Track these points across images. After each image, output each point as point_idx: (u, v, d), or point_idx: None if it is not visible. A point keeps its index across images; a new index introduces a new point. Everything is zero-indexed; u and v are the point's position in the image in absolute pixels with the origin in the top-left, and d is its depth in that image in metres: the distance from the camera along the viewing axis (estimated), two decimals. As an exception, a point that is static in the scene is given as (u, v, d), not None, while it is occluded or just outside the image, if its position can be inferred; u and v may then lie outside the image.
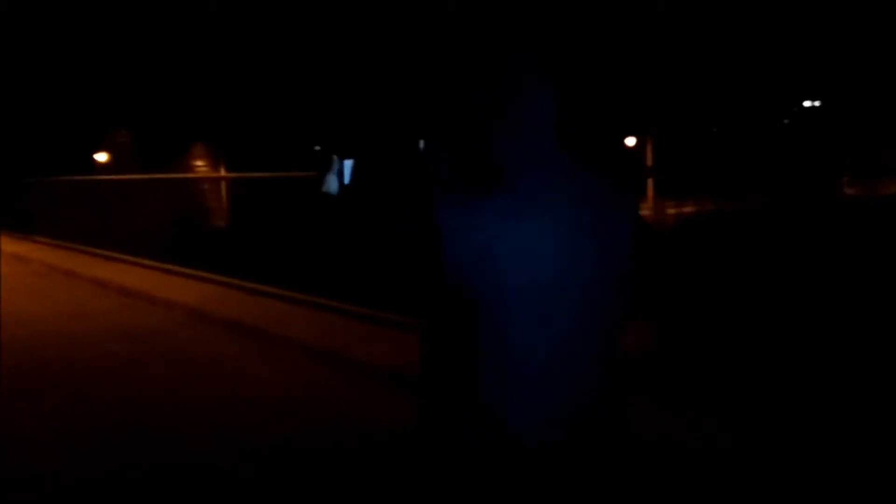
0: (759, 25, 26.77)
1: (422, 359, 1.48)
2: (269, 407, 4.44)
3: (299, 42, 24.72)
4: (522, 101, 1.38)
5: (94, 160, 28.30)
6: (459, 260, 1.34)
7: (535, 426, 1.36)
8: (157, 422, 4.24)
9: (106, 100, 27.03)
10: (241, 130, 27.41)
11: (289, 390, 4.76)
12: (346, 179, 1.87)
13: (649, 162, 25.37)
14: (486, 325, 1.35)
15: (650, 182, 5.69)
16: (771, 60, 28.42)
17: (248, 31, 25.60)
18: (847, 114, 29.51)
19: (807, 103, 38.85)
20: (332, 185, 1.86)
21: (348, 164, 1.88)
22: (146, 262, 9.82)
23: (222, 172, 27.76)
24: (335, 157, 1.88)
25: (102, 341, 6.29)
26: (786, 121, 38.17)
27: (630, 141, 25.34)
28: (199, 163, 30.28)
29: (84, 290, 8.99)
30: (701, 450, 3.40)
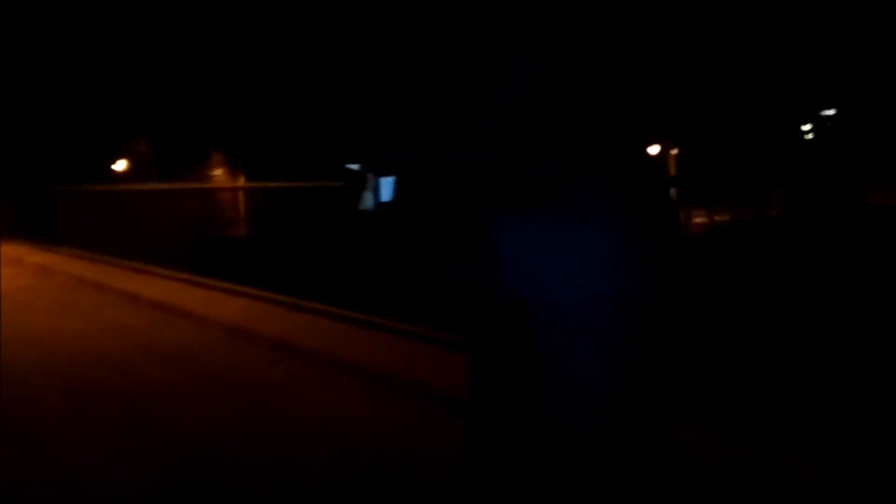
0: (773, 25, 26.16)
1: (470, 373, 1.47)
2: (333, 445, 3.97)
3: (325, 51, 24.27)
4: (560, 116, 1.37)
5: (112, 169, 28.00)
6: (513, 270, 1.33)
7: (591, 430, 1.35)
8: (205, 464, 3.78)
9: (125, 107, 26.70)
10: (262, 139, 27.00)
11: (353, 426, 4.27)
12: (382, 196, 1.85)
13: (672, 170, 24.94)
14: (541, 332, 1.34)
15: (674, 191, 5.50)
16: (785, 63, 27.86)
17: (271, 38, 25.20)
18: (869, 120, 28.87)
19: (827, 112, 38.27)
20: (367, 201, 1.82)
21: (383, 181, 1.87)
22: (177, 274, 9.39)
23: (242, 181, 27.41)
24: (369, 175, 1.91)
25: (136, 363, 5.84)
26: (807, 127, 37.63)
27: (653, 149, 24.81)
28: (217, 171, 29.95)
29: (115, 304, 8.56)
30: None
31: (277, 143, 25.03)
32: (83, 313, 8.09)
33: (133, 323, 7.39)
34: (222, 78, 24.44)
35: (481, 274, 1.38)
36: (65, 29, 24.60)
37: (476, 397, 1.49)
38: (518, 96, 1.38)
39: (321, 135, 22.34)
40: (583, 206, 1.37)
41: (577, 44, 1.43)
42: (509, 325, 1.38)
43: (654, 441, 1.41)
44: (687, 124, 26.56)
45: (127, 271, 10.21)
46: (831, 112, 38.92)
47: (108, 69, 25.34)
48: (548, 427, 1.36)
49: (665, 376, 1.45)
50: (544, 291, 1.35)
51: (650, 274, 1.43)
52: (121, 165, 29.11)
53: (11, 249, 13.33)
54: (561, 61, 1.40)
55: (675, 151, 25.13)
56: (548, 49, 1.39)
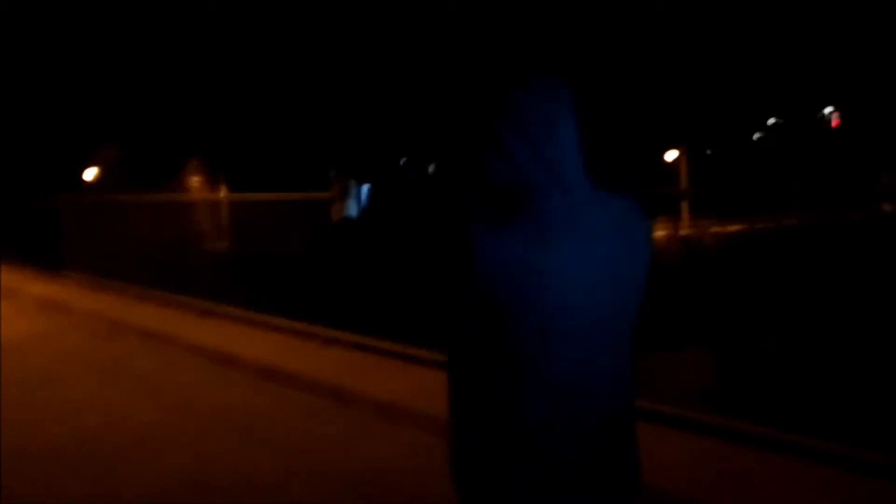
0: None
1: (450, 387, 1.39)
2: None
3: (308, 50, 21.32)
4: (547, 129, 1.30)
5: (82, 178, 24.39)
6: (491, 279, 1.25)
7: (561, 439, 1.27)
8: None
9: (95, 110, 23.18)
10: (245, 145, 23.93)
11: None
12: (364, 204, 1.63)
13: (684, 180, 22.56)
14: (514, 340, 1.27)
15: (685, 202, 5.31)
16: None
17: (254, 37, 22.05)
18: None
19: (771, 121, 36.99)
20: (351, 209, 1.62)
21: (365, 188, 1.64)
22: (256, 316, 6.18)
23: (224, 191, 24.28)
24: (352, 182, 1.64)
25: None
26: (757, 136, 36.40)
27: (670, 156, 22.50)
28: (195, 179, 26.70)
29: (197, 370, 5.34)
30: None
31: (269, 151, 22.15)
32: (154, 392, 4.87)
33: (271, 414, 4.24)
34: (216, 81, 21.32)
35: (465, 282, 1.28)
36: (25, 26, 21.04)
37: (456, 410, 1.37)
38: (539, 117, 1.31)
39: (331, 152, 19.48)
40: (561, 220, 1.28)
41: (599, 71, 1.36)
42: (491, 333, 1.28)
43: (624, 446, 1.32)
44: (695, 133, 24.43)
45: (178, 311, 6.92)
46: (775, 120, 37.80)
47: (77, 69, 21.86)
48: (526, 435, 1.27)
49: (633, 384, 1.35)
50: (526, 301, 1.26)
51: (632, 287, 1.34)
52: (90, 174, 25.46)
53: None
54: (584, 88, 1.33)
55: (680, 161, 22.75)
56: (572, 75, 1.33)
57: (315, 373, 4.79)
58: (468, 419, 1.36)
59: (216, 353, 5.47)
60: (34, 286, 8.89)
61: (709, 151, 32.85)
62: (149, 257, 7.87)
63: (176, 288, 7.16)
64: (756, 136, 36.88)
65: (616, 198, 1.36)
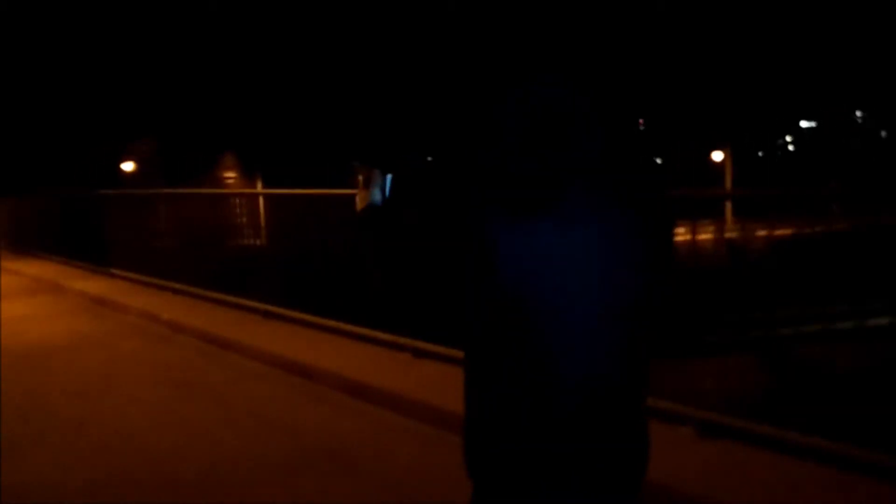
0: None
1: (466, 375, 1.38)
2: None
3: (336, 49, 20.87)
4: (567, 118, 1.30)
5: (119, 171, 24.10)
6: (514, 271, 1.27)
7: (582, 429, 1.29)
8: None
9: (130, 105, 22.86)
10: (278, 141, 23.51)
11: None
12: (387, 194, 1.59)
13: (728, 182, 21.75)
14: (538, 331, 1.28)
15: (729, 204, 4.69)
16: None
17: (286, 33, 21.63)
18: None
19: (804, 124, 36.07)
20: (376, 198, 1.56)
21: (387, 178, 1.59)
22: (327, 321, 5.54)
23: (259, 186, 23.87)
24: (378, 172, 1.60)
25: None
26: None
27: (717, 156, 21.73)
28: (229, 174, 26.26)
29: (274, 383, 4.73)
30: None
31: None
32: (229, 409, 4.26)
33: (372, 442, 3.62)
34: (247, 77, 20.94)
35: (485, 276, 1.28)
36: (66, 22, 20.78)
37: (472, 406, 1.36)
38: (541, 112, 1.31)
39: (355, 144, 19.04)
40: (580, 209, 1.28)
41: (597, 66, 1.39)
42: (513, 327, 1.27)
43: (630, 423, 1.36)
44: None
45: (241, 313, 6.30)
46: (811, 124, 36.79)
47: (112, 64, 21.59)
48: (549, 426, 1.27)
49: (646, 367, 1.36)
50: (541, 290, 1.26)
51: (644, 276, 1.33)
52: (127, 167, 25.22)
53: (41, 269, 9.24)
54: (581, 81, 1.35)
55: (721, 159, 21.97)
56: (570, 70, 1.36)
57: (412, 392, 4.16)
58: (486, 413, 1.32)
59: (292, 364, 4.86)
60: (80, 283, 8.32)
61: (760, 153, 32.06)
62: (198, 254, 7.27)
63: (230, 287, 6.55)
64: (788, 138, 36.04)
65: (637, 186, 1.34)
